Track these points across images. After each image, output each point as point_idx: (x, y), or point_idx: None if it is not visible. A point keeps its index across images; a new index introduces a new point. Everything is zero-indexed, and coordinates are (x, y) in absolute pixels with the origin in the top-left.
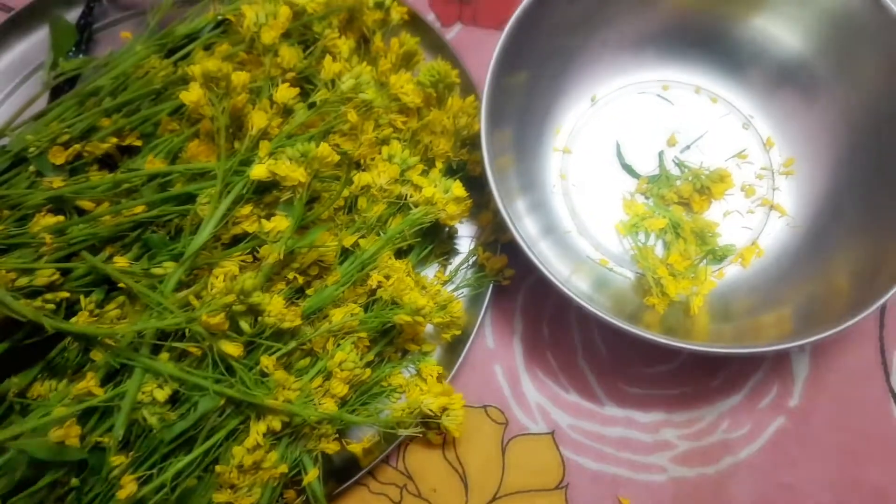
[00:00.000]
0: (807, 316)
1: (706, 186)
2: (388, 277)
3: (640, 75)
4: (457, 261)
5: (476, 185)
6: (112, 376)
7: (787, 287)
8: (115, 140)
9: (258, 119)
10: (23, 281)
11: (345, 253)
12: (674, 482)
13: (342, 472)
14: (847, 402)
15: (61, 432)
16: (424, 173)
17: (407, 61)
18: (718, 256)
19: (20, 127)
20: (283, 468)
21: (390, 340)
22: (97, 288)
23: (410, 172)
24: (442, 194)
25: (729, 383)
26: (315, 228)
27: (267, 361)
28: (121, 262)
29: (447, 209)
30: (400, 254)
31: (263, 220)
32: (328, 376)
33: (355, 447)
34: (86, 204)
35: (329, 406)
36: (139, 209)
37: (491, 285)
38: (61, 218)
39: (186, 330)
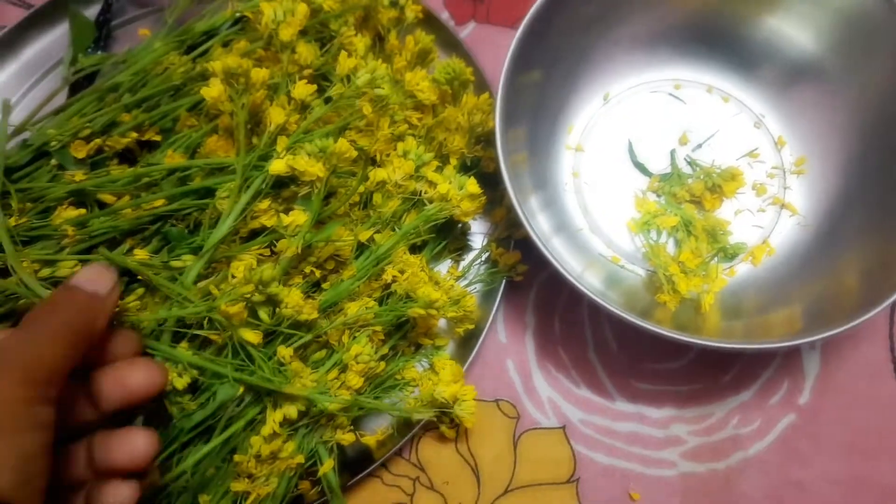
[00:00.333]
0: (817, 314)
1: (718, 185)
2: (402, 272)
3: (652, 74)
4: (470, 256)
5: (489, 182)
6: None
7: (798, 285)
8: (135, 135)
9: (276, 115)
10: (45, 272)
11: (360, 248)
12: (684, 477)
13: (356, 464)
14: (857, 400)
15: None
16: (439, 170)
17: (422, 59)
18: (729, 254)
19: (41, 121)
20: (300, 458)
21: (404, 334)
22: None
23: (425, 169)
24: (456, 191)
25: (739, 380)
26: (331, 223)
27: (284, 352)
28: (141, 254)
29: (461, 205)
30: (414, 249)
31: (282, 215)
32: (344, 369)
33: (369, 439)
34: (107, 197)
35: (344, 397)
36: (159, 203)
37: (504, 281)
38: (83, 211)
39: (206, 320)
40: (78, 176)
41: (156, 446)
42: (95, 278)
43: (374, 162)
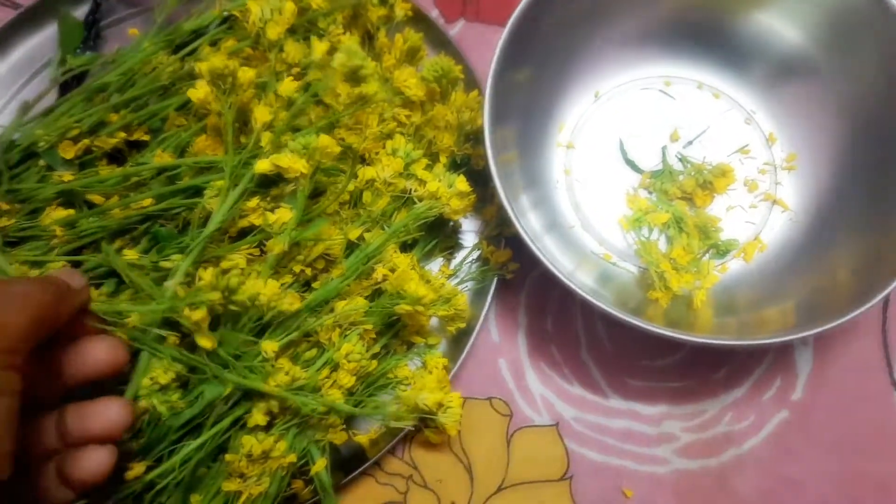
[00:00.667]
0: (810, 309)
1: (709, 181)
2: (393, 270)
3: (642, 71)
4: (461, 255)
5: (480, 180)
6: None
7: (790, 281)
8: (123, 135)
9: (262, 114)
10: (35, 273)
11: (350, 247)
12: (677, 474)
13: (350, 462)
14: (850, 396)
15: None
16: (428, 168)
17: (411, 57)
18: (721, 251)
19: (30, 122)
20: (292, 458)
21: (396, 333)
22: (108, 279)
23: (415, 167)
24: (446, 189)
25: (732, 376)
26: (318, 220)
27: (267, 347)
28: (130, 254)
29: (451, 203)
30: (405, 248)
31: (268, 213)
32: (335, 368)
33: (362, 438)
34: (95, 197)
35: (336, 396)
36: (148, 202)
37: (495, 279)
38: (72, 211)
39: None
40: (66, 176)
41: (130, 415)
42: (69, 275)
43: (363, 160)
